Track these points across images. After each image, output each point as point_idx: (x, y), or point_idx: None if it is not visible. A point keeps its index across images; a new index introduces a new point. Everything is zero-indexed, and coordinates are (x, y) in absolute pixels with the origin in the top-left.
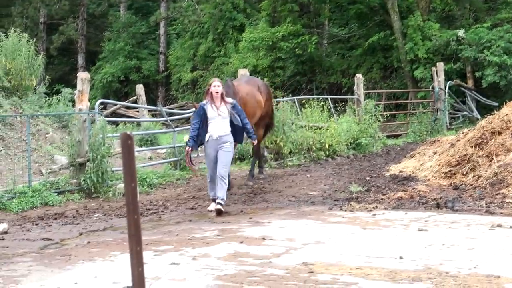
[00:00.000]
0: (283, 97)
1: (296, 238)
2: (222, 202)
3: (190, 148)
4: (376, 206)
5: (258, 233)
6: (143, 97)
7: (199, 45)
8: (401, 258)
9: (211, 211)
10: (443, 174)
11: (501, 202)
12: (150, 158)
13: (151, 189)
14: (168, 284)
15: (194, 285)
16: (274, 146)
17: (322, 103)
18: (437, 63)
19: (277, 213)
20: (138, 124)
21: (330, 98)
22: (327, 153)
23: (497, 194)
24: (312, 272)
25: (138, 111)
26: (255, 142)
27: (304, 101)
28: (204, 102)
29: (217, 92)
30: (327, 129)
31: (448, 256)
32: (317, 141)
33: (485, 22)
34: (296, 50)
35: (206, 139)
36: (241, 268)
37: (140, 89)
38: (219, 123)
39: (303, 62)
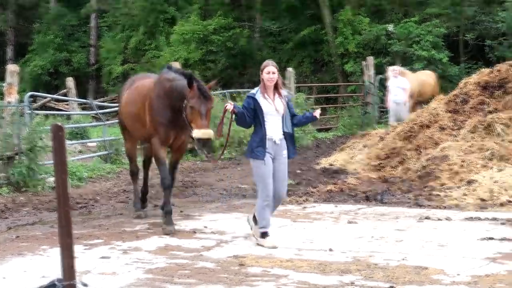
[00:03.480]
0: (214, 90)
1: (227, 231)
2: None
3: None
4: (307, 199)
5: (189, 227)
6: (73, 90)
7: (130, 38)
8: (331, 250)
9: (269, 247)
10: (372, 167)
11: (429, 194)
12: (80, 151)
13: (81, 183)
14: (98, 278)
15: (124, 279)
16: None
17: None
18: (367, 57)
19: (208, 207)
20: (68, 117)
21: None
22: None
23: (425, 187)
24: (242, 265)
25: (68, 104)
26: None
27: (235, 94)
28: (253, 91)
29: (270, 80)
30: None
31: (377, 248)
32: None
33: (414, 16)
34: (228, 43)
35: (267, 144)
36: (172, 261)
37: (70, 82)
38: (276, 122)
39: (234, 55)
